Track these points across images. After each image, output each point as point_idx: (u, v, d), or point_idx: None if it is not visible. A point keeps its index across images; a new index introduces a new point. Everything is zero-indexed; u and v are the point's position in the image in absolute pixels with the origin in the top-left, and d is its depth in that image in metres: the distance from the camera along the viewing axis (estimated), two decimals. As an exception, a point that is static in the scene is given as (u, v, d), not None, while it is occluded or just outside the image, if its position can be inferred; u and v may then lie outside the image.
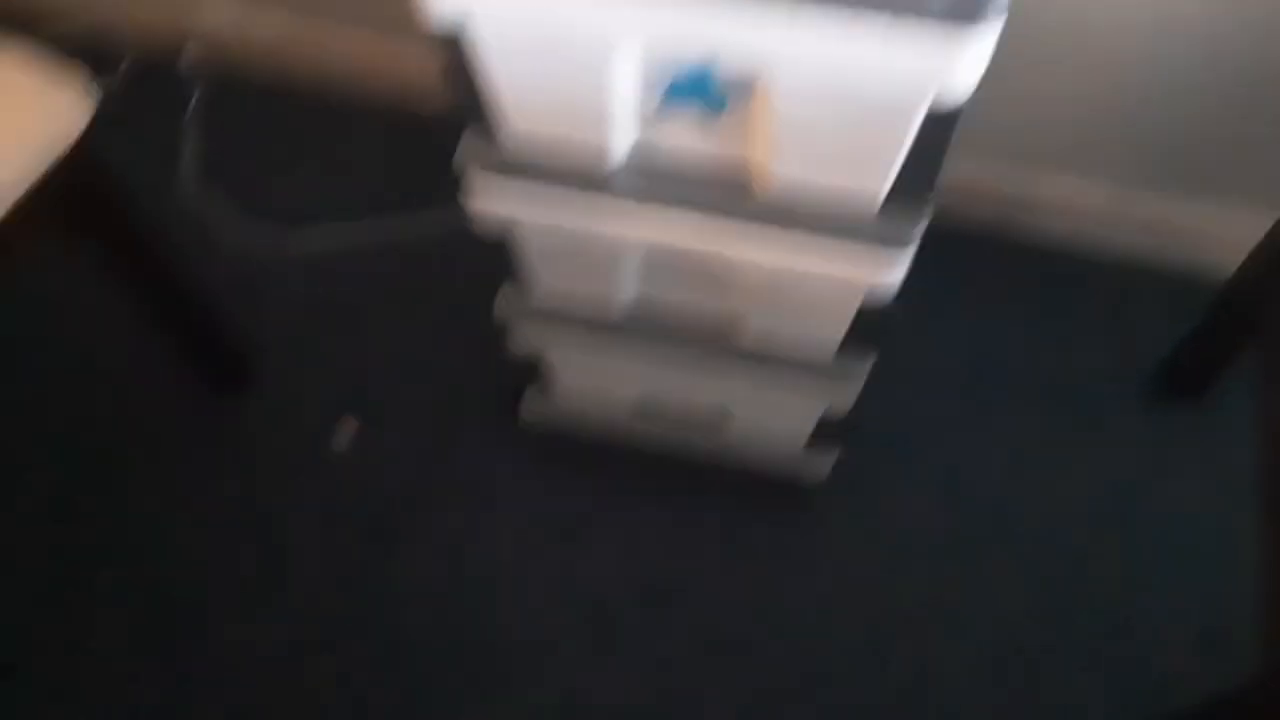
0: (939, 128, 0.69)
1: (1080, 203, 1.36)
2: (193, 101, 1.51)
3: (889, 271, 0.82)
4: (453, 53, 0.72)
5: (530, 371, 1.17)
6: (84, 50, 0.90)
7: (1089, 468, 1.26)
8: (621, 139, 0.78)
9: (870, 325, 0.93)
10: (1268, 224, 1.08)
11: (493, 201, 0.84)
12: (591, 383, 1.17)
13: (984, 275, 1.39)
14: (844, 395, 1.03)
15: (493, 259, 0.98)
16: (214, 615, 1.17)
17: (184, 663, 1.14)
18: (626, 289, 0.97)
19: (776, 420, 1.14)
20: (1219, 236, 1.31)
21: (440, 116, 0.84)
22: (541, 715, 1.11)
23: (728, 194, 0.80)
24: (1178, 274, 1.37)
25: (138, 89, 1.51)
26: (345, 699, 1.12)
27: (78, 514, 1.23)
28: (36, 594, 1.18)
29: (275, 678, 1.13)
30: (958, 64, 0.63)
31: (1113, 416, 1.29)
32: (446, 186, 0.89)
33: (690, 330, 1.00)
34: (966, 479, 1.25)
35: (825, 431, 1.13)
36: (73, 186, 0.93)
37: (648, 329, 1.00)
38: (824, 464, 1.18)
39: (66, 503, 1.24)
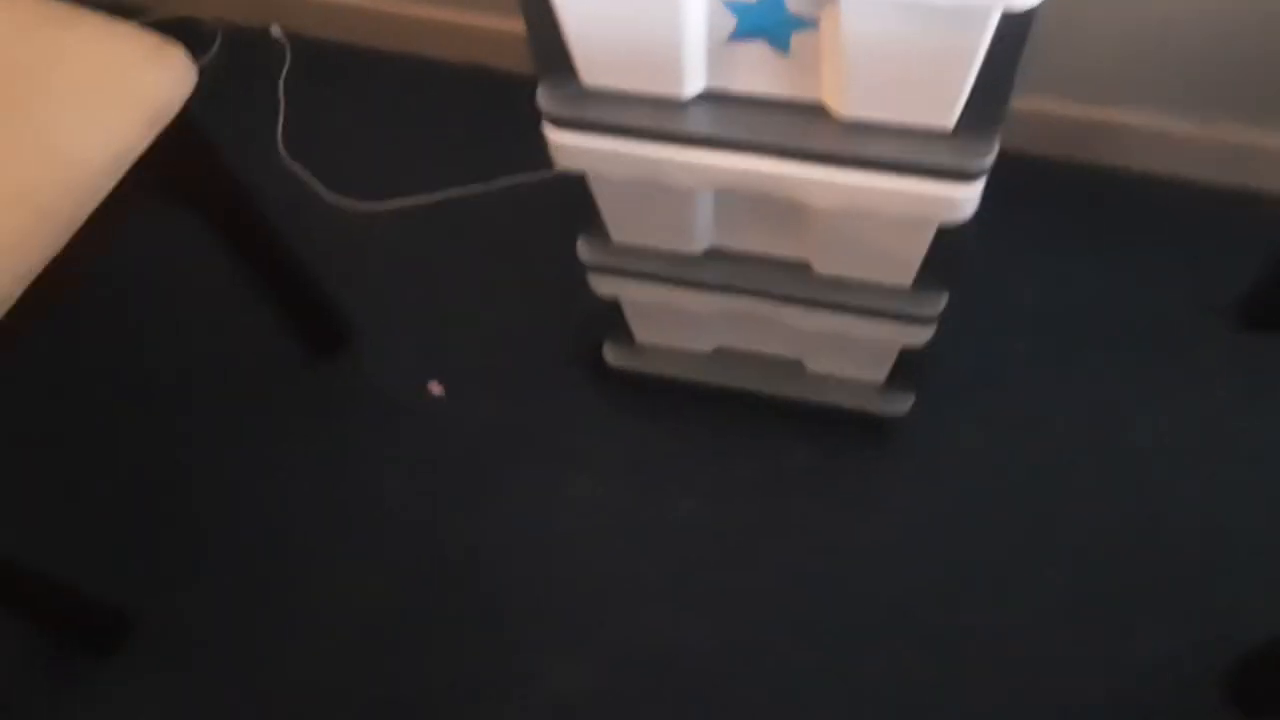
0: (1010, 37, 0.69)
1: (1158, 134, 1.33)
2: (283, 72, 1.58)
3: (962, 198, 0.82)
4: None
5: (611, 321, 1.20)
6: (178, 27, 0.95)
7: (1174, 402, 1.24)
8: (693, 75, 0.80)
9: (945, 260, 0.93)
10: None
11: (572, 144, 0.87)
12: (670, 329, 1.19)
13: (1062, 209, 1.37)
14: (920, 333, 1.04)
15: (572, 211, 1.01)
16: (313, 562, 1.23)
17: (286, 608, 1.21)
18: (701, 230, 0.99)
19: (854, 360, 1.15)
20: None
21: (520, 77, 0.87)
22: (628, 660, 1.15)
23: (799, 124, 0.81)
24: (1260, 204, 1.33)
25: (229, 62, 1.57)
26: (437, 644, 1.17)
27: (180, 469, 1.31)
28: (142, 545, 1.26)
29: (364, 626, 1.19)
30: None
31: (1198, 350, 1.27)
32: (528, 144, 0.92)
33: (765, 271, 1.02)
34: (1047, 414, 1.24)
35: (903, 370, 1.14)
36: (176, 156, 0.98)
37: (723, 271, 1.02)
38: (903, 402, 1.19)
39: (169, 459, 1.32)
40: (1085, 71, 1.28)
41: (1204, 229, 1.35)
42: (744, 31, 0.76)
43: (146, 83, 0.94)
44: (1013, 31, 0.69)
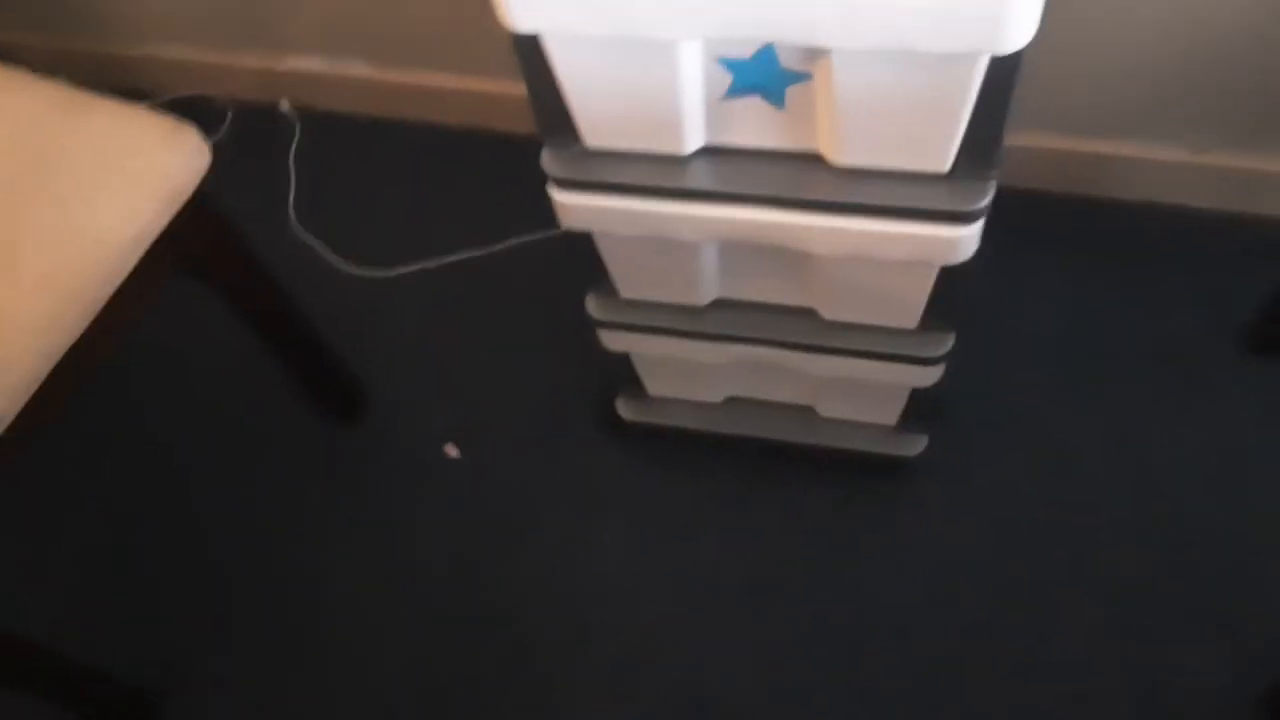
0: (1000, 78, 0.71)
1: (1157, 164, 1.35)
2: (293, 145, 1.61)
3: (962, 239, 0.83)
4: (531, 64, 0.77)
5: (624, 375, 1.21)
6: (189, 106, 0.98)
7: (1193, 429, 1.24)
8: (692, 132, 0.82)
9: (949, 300, 0.94)
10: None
11: (578, 204, 0.89)
12: (681, 381, 1.20)
13: (1068, 242, 1.39)
14: (928, 374, 1.04)
15: (579, 269, 1.03)
16: (341, 623, 1.24)
17: (321, 665, 1.21)
18: (707, 282, 1.00)
19: (865, 403, 1.16)
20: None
21: (523, 137, 0.89)
22: (657, 708, 1.15)
23: (797, 174, 0.82)
24: (1263, 228, 1.35)
25: (240, 138, 1.61)
26: (472, 697, 1.17)
27: (201, 538, 1.32)
28: (166, 618, 1.27)
29: (403, 682, 1.19)
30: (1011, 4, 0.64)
31: (1213, 376, 1.27)
32: (534, 204, 0.94)
33: (771, 319, 1.03)
34: (1068, 447, 1.24)
35: (916, 411, 1.15)
36: (193, 234, 1.00)
37: (730, 321, 1.04)
38: (916, 444, 1.19)
39: (191, 528, 1.33)
40: (1080, 106, 1.30)
41: (1209, 256, 1.36)
42: (739, 88, 0.78)
43: (163, 164, 0.96)
44: (1002, 73, 0.71)
